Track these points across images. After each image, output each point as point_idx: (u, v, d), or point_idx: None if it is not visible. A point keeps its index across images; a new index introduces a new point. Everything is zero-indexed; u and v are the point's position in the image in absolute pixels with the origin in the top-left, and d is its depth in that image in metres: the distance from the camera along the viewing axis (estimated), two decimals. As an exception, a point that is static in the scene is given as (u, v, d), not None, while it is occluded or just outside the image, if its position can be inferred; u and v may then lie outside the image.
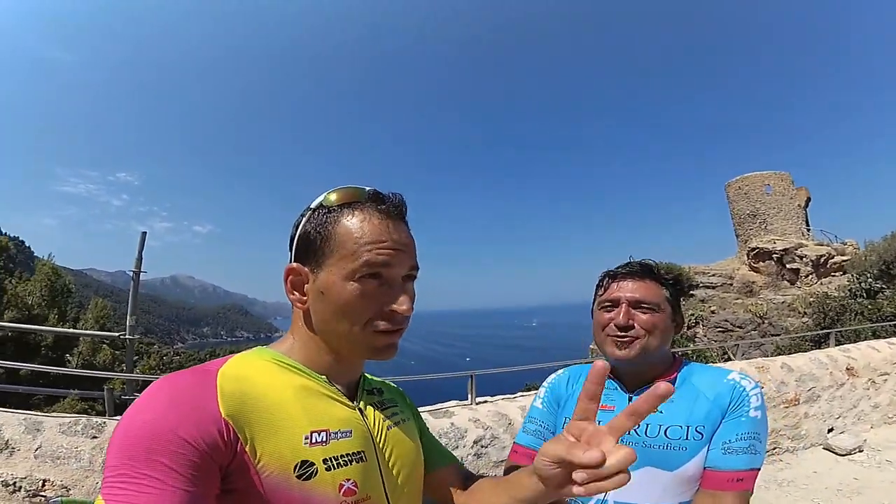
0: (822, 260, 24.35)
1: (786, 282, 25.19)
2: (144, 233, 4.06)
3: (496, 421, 3.55)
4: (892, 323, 9.91)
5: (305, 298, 0.78)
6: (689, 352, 11.20)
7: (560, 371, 1.44)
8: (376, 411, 0.85)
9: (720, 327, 21.95)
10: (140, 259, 4.00)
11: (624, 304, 1.21)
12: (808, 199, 28.61)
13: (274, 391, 0.71)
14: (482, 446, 3.35)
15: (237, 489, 0.62)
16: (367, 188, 0.80)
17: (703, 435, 1.12)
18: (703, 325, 22.25)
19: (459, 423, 3.43)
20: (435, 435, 3.14)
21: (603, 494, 1.16)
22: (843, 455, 4.62)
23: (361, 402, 0.84)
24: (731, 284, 25.56)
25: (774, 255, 25.64)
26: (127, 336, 3.96)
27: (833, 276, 23.58)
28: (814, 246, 25.43)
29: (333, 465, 0.69)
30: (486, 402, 3.98)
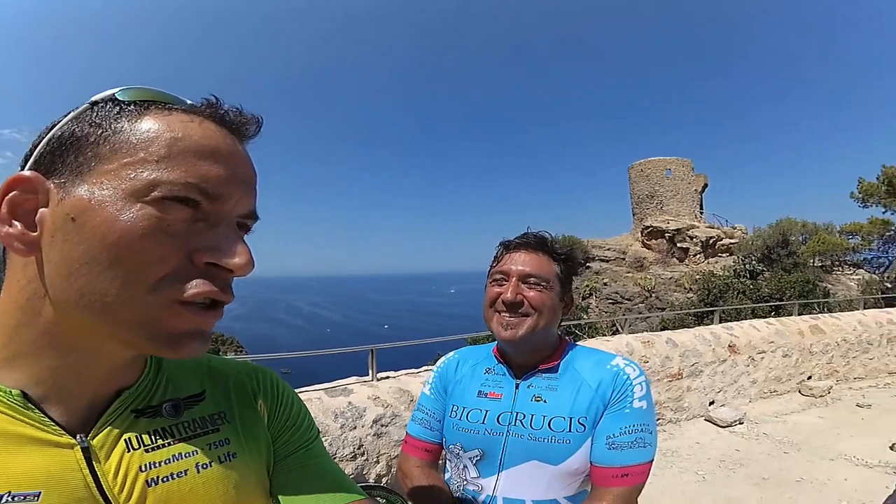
0: (711, 241, 26.87)
1: (675, 259, 27.56)
2: None
3: (397, 398, 3.40)
4: (769, 303, 11.11)
5: (36, 235, 0.45)
6: (583, 324, 11.77)
7: (451, 354, 1.37)
8: (133, 452, 0.51)
9: (611, 299, 23.70)
10: None
11: (514, 278, 1.15)
12: (706, 185, 31.38)
13: None
14: (382, 425, 3.18)
15: None
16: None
17: (585, 427, 1.10)
18: (595, 297, 23.91)
19: (357, 401, 3.22)
20: (330, 415, 2.89)
21: (492, 491, 1.13)
22: (723, 427, 4.98)
23: (102, 435, 0.50)
24: (624, 259, 27.62)
25: (667, 234, 27.92)
26: None
27: (720, 256, 26.15)
28: (705, 228, 28.04)
29: None
30: (388, 377, 3.78)
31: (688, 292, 21.81)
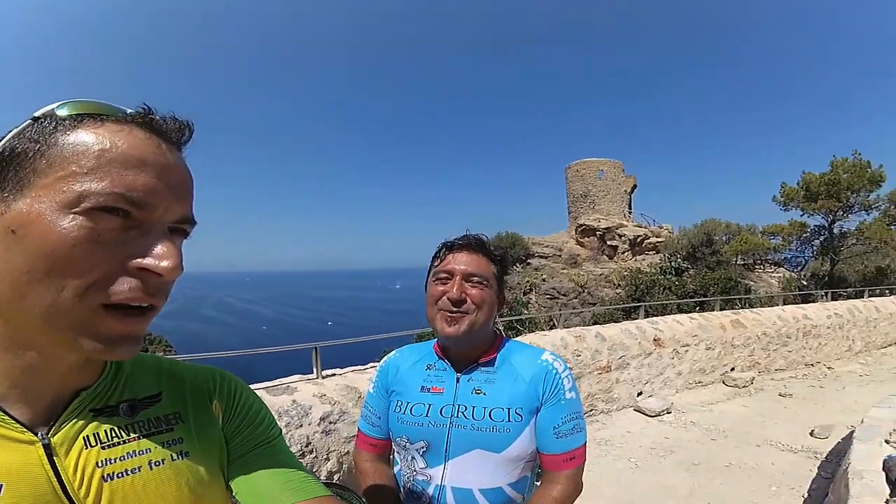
0: (638, 239, 28.36)
1: (605, 256, 28.89)
2: None
3: (345, 395, 3.38)
4: (693, 299, 11.83)
5: None
6: (524, 318, 12.11)
7: (393, 352, 1.42)
8: (91, 449, 0.54)
9: (548, 294, 24.48)
10: None
11: (458, 277, 1.21)
12: (635, 186, 33.04)
13: None
14: (330, 422, 3.17)
15: None
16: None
17: (522, 417, 1.19)
18: (535, 292, 24.62)
19: (302, 399, 3.18)
20: (274, 414, 2.80)
21: (440, 480, 1.20)
22: (652, 416, 5.29)
23: (62, 433, 0.53)
24: (560, 256, 28.64)
25: (598, 233, 29.21)
26: None
27: (647, 254, 27.64)
28: (633, 227, 29.56)
29: None
30: (333, 374, 3.75)
31: (616, 288, 22.88)
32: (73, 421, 0.55)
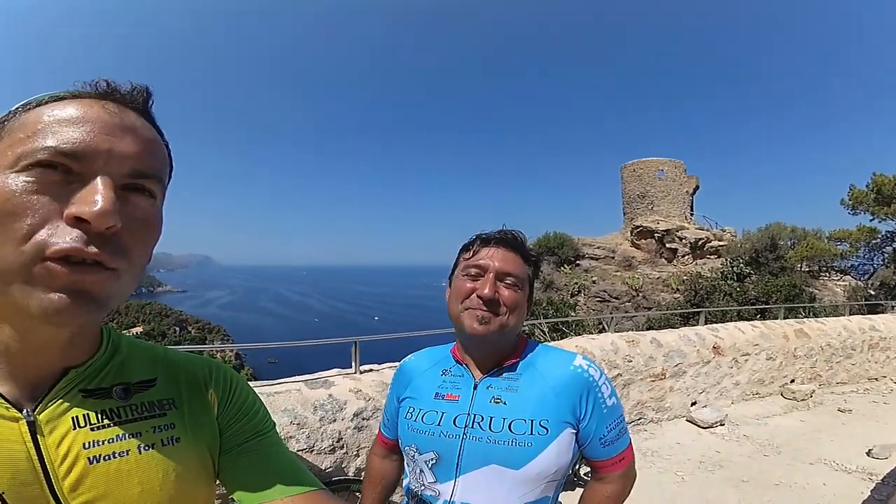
0: (699, 243, 27.07)
1: (663, 259, 27.75)
2: None
3: (380, 391, 3.35)
4: (755, 306, 11.18)
5: None
6: (570, 321, 11.83)
7: (409, 356, 1.36)
8: (79, 429, 0.54)
9: (599, 297, 23.80)
10: None
11: (491, 275, 1.12)
12: (697, 188, 31.55)
13: None
14: (363, 419, 3.15)
15: None
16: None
17: (548, 430, 1.08)
18: (584, 294, 24.00)
19: (338, 393, 3.18)
20: (309, 407, 2.85)
21: (449, 496, 1.11)
22: (704, 428, 5.00)
23: (49, 411, 0.53)
24: (613, 258, 27.72)
25: (656, 235, 28.07)
26: None
27: (708, 258, 26.34)
28: (694, 230, 28.22)
29: None
30: (371, 370, 3.73)
31: (674, 293, 21.96)
32: (62, 399, 0.55)
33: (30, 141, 0.48)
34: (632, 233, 29.62)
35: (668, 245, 27.83)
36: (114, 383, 0.59)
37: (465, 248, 1.21)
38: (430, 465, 1.14)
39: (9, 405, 0.51)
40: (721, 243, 26.29)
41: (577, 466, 3.52)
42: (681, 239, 27.41)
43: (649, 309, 19.91)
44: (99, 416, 0.56)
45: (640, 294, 23.65)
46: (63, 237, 0.47)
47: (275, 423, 0.75)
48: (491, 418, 1.10)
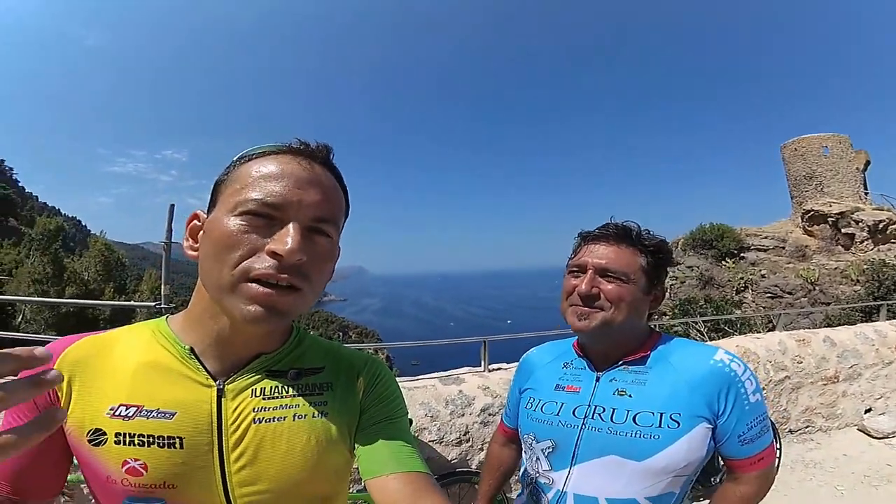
0: (880, 225, 22.70)
1: (840, 247, 23.75)
2: (172, 205, 4.21)
3: (506, 388, 3.40)
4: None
5: (198, 246, 0.71)
6: (734, 319, 10.72)
7: (532, 349, 1.40)
8: (254, 398, 0.71)
9: (770, 293, 21.06)
10: (170, 230, 4.17)
11: (590, 271, 1.13)
12: (868, 163, 26.65)
13: (119, 361, 0.70)
14: (490, 414, 3.30)
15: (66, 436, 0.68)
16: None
17: (679, 424, 1.05)
18: (751, 290, 21.41)
19: (468, 390, 3.37)
20: (441, 402, 3.19)
21: (562, 485, 1.12)
22: (878, 438, 4.35)
23: (235, 383, 0.71)
24: (784, 248, 24.23)
25: (829, 219, 24.10)
26: (162, 305, 4.16)
27: (892, 242, 22.01)
28: (871, 210, 23.71)
29: (124, 441, 0.65)
30: (499, 368, 3.89)
31: (855, 284, 18.79)
32: (249, 376, 0.73)
33: (244, 192, 0.66)
34: (802, 218, 25.70)
35: (843, 230, 23.78)
36: (290, 367, 0.76)
37: (573, 248, 1.24)
38: (546, 454, 1.16)
39: (209, 376, 0.70)
40: (904, 224, 21.82)
41: (722, 475, 3.18)
42: (857, 222, 23.20)
43: (827, 304, 17.22)
44: (271, 390, 0.73)
45: (817, 288, 20.53)
46: (262, 264, 0.64)
47: (407, 412, 0.86)
48: (613, 410, 1.10)
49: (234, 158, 0.72)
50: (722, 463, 1.15)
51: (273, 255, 0.64)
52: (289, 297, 0.66)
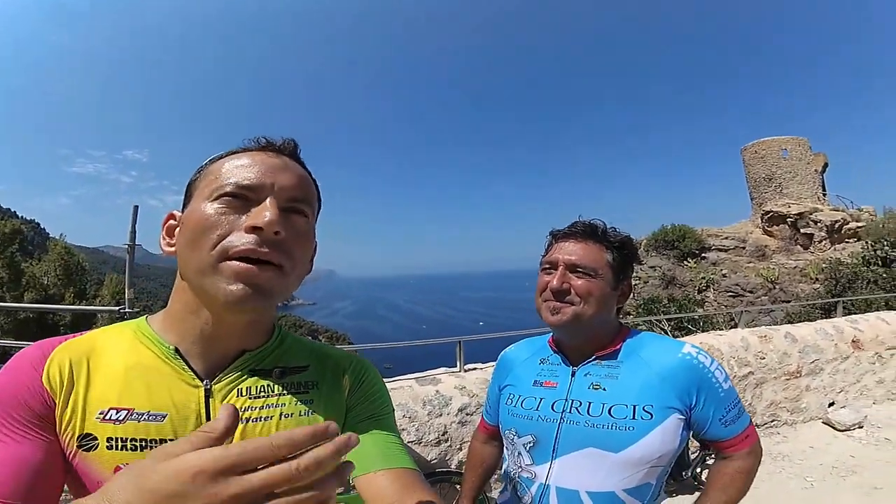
0: (836, 225, 23.79)
1: (799, 247, 24.74)
2: (136, 207, 4.07)
3: (483, 388, 3.51)
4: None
5: (174, 242, 0.72)
6: (696, 317, 11.03)
7: (510, 347, 1.44)
8: (241, 398, 0.71)
9: (731, 292, 21.77)
10: (133, 233, 4.03)
11: (561, 267, 1.17)
12: (826, 165, 27.90)
13: (105, 363, 0.69)
14: (467, 414, 3.32)
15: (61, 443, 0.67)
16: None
17: (652, 415, 1.09)
18: (713, 289, 22.07)
19: (445, 390, 3.39)
20: (419, 402, 3.15)
21: (545, 479, 1.15)
22: (841, 430, 4.52)
23: (222, 383, 0.71)
24: (744, 248, 25.10)
25: (789, 220, 25.11)
26: (126, 309, 4.02)
27: (847, 242, 23.06)
28: (829, 211, 24.82)
29: (117, 446, 0.64)
30: (475, 368, 3.91)
31: (814, 283, 19.56)
32: (234, 375, 0.72)
33: (218, 181, 0.68)
34: (762, 219, 26.71)
35: (802, 230, 24.78)
36: (275, 365, 0.76)
37: (546, 247, 1.28)
38: (527, 448, 1.19)
39: (195, 377, 0.70)
40: (859, 224, 22.84)
41: (697, 469, 3.42)
42: (816, 222, 24.26)
43: (787, 302, 17.88)
44: (258, 389, 0.72)
45: (777, 286, 21.34)
46: (241, 240, 0.64)
47: (394, 409, 0.87)
48: (590, 403, 1.13)
49: (207, 160, 0.74)
50: (693, 457, 1.20)
51: (252, 229, 0.65)
52: (270, 273, 0.66)
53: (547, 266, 1.22)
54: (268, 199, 0.67)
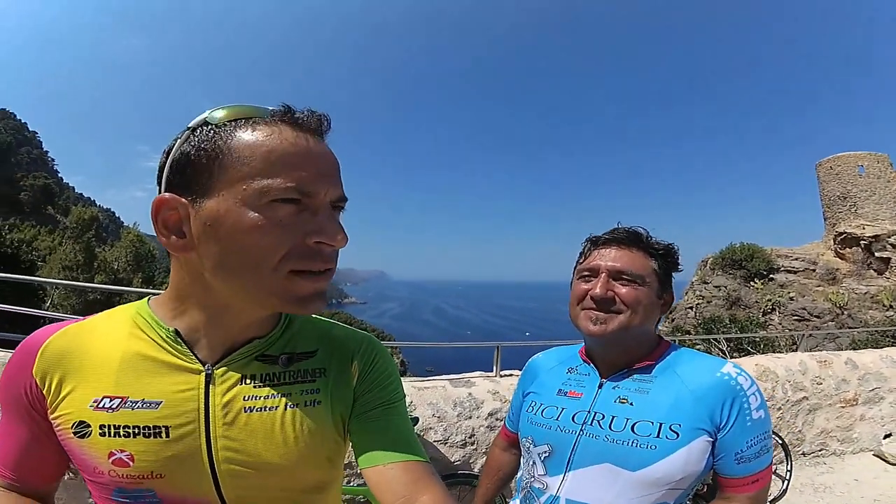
0: (917, 250, 21.98)
1: (873, 271, 23.02)
2: None
3: None
4: None
5: (186, 240, 0.61)
6: (757, 339, 10.45)
7: (538, 354, 1.38)
8: (244, 385, 0.67)
9: (797, 315, 20.59)
10: None
11: (603, 274, 1.10)
12: (907, 183, 25.77)
13: (100, 350, 0.67)
14: (497, 419, 3.30)
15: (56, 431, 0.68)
16: (272, 108, 0.63)
17: (678, 435, 1.02)
18: (779, 312, 20.92)
19: (477, 393, 3.38)
20: (450, 403, 3.22)
21: (556, 490, 1.10)
22: (894, 464, 4.24)
23: (225, 368, 0.67)
24: (814, 270, 23.68)
25: (863, 242, 23.43)
26: None
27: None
28: (908, 235, 22.96)
29: (109, 433, 0.63)
30: (510, 374, 3.88)
31: (887, 310, 18.19)
32: (238, 360, 0.69)
33: (266, 177, 0.58)
34: (834, 240, 25.05)
35: (877, 254, 23.05)
36: (282, 352, 0.72)
37: (580, 254, 1.21)
38: (542, 458, 1.15)
39: (197, 361, 0.66)
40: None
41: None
42: (893, 246, 22.51)
43: (854, 329, 16.71)
44: (262, 377, 0.69)
45: (846, 312, 19.99)
46: (308, 257, 0.61)
47: (404, 395, 0.82)
48: (613, 417, 1.08)
49: (199, 122, 0.62)
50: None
51: (321, 244, 0.62)
52: (328, 280, 0.65)
53: (585, 273, 1.15)
54: (330, 212, 0.64)
